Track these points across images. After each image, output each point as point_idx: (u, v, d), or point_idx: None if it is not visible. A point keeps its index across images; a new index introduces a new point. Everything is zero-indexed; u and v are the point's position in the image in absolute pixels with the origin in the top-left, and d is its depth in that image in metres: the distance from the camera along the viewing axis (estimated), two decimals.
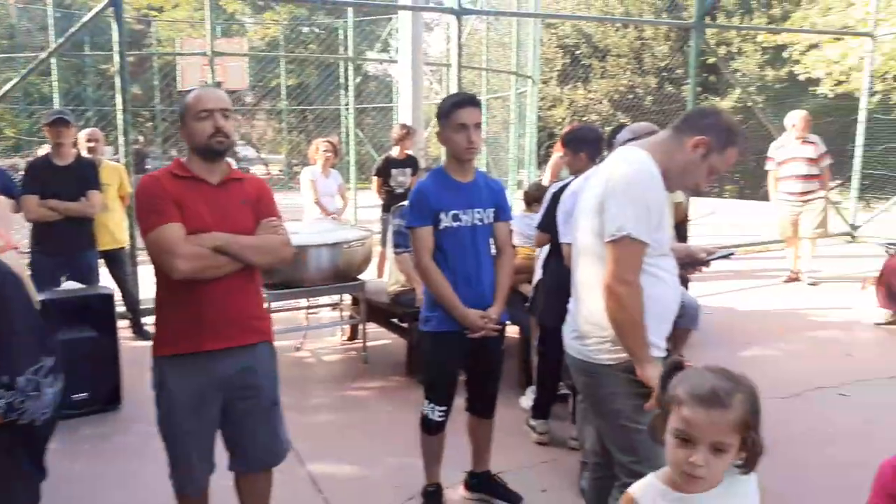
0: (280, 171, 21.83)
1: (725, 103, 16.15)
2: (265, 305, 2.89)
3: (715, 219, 12.63)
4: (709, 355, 4.85)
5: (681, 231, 5.06)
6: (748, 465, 1.43)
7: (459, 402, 2.89)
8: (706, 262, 2.35)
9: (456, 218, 2.62)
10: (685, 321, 4.28)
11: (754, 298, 6.54)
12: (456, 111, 2.54)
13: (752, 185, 14.80)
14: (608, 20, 17.76)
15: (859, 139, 9.48)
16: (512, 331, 4.32)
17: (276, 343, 2.37)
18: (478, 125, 2.57)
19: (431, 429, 2.80)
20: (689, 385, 1.38)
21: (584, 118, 17.46)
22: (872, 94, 11.39)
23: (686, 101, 7.99)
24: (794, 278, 7.14)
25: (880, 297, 5.47)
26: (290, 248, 2.26)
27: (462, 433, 2.96)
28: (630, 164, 2.01)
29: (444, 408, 2.75)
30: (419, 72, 8.18)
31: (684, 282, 4.93)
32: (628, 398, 2.04)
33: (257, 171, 23.30)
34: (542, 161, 12.85)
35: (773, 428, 3.76)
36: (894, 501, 1.57)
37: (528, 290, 4.10)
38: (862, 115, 9.47)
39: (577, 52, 18.78)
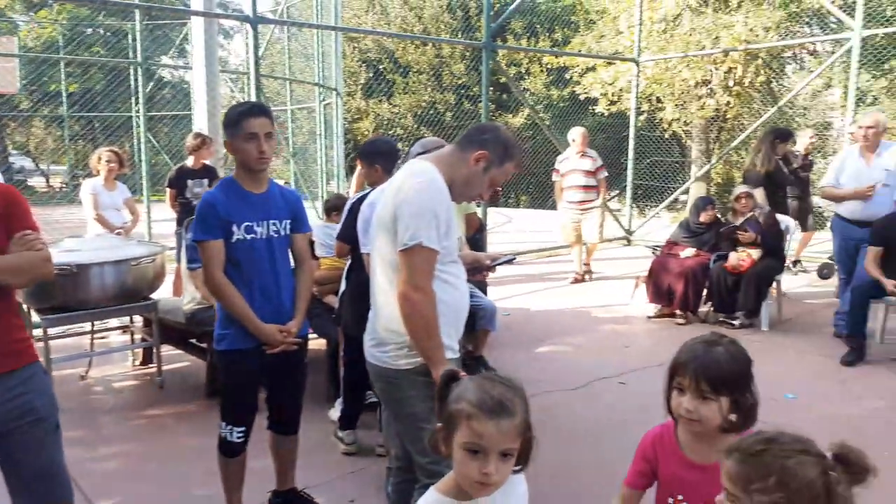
0: (63, 183, 19.76)
1: (517, 120, 17.33)
2: (34, 330, 2.58)
3: (511, 226, 13.49)
4: (507, 353, 5.17)
5: (477, 240, 5.34)
6: (524, 463, 1.47)
7: (262, 420, 2.81)
8: (491, 268, 2.51)
9: (249, 230, 2.54)
10: (483, 323, 4.53)
11: (546, 299, 7.06)
12: (245, 120, 2.47)
13: (544, 195, 16.00)
14: (406, 37, 18.30)
15: (630, 153, 10.64)
16: (320, 343, 4.30)
17: (58, 373, 2.14)
18: (269, 134, 2.52)
19: (231, 451, 2.68)
20: (475, 398, 1.39)
21: (391, 131, 17.79)
22: (640, 113, 12.87)
23: (481, 117, 8.45)
24: (579, 279, 7.83)
25: (649, 293, 6.16)
26: (50, 264, 2.02)
27: (267, 452, 2.88)
28: (419, 177, 2.09)
29: (242, 428, 2.65)
30: (215, 79, 7.83)
31: (483, 287, 5.22)
32: (425, 401, 2.10)
33: (36, 183, 20.97)
34: (349, 173, 12.88)
35: (565, 418, 4.07)
36: (649, 464, 1.79)
37: (334, 301, 4.09)
38: (631, 132, 10.63)
39: (380, 66, 19.12)
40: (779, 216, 6.20)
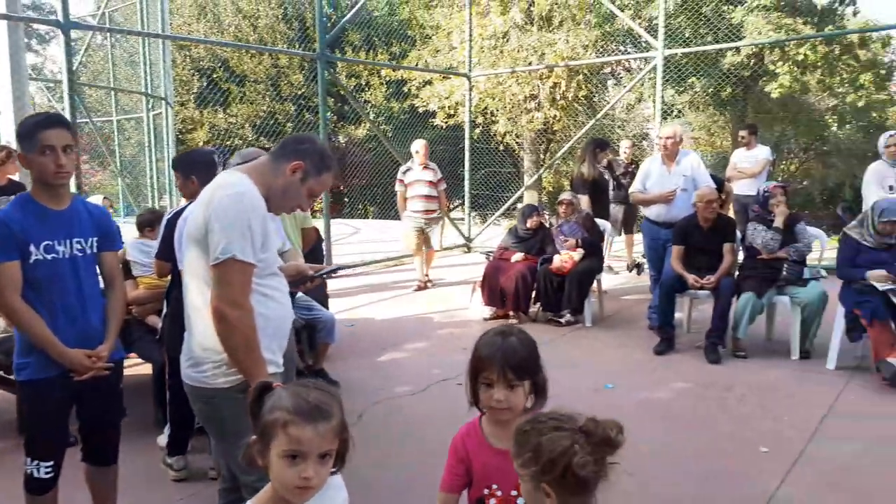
0: None
1: (359, 132, 17.39)
2: None
3: (359, 237, 13.49)
4: (352, 364, 5.17)
5: (316, 252, 5.32)
6: (341, 463, 1.49)
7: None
8: (314, 279, 2.52)
9: (50, 249, 2.36)
10: (323, 336, 4.52)
11: (390, 308, 7.14)
12: (40, 132, 2.30)
13: (392, 206, 16.19)
14: (239, 46, 17.75)
15: (467, 164, 11.04)
16: (147, 367, 4.06)
17: None
18: (68, 147, 2.35)
19: (39, 489, 2.47)
20: (291, 405, 1.41)
21: (228, 142, 17.15)
22: (476, 126, 13.41)
23: (321, 128, 8.41)
24: (422, 287, 8.01)
25: (484, 296, 6.43)
26: None
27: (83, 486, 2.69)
28: (229, 188, 2.05)
29: (50, 463, 2.45)
30: (23, 87, 7.13)
31: (325, 299, 5.20)
32: (247, 419, 2.07)
33: None
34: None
35: (402, 421, 4.13)
36: (462, 462, 1.88)
37: (157, 322, 3.89)
38: (467, 144, 11.04)
39: (214, 75, 18.40)
40: (598, 220, 6.73)
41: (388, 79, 16.09)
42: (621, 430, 1.36)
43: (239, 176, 2.12)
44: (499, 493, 1.80)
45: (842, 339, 4.82)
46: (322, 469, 1.40)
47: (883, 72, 14.58)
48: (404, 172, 7.87)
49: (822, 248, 5.74)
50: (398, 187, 7.91)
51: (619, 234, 8.48)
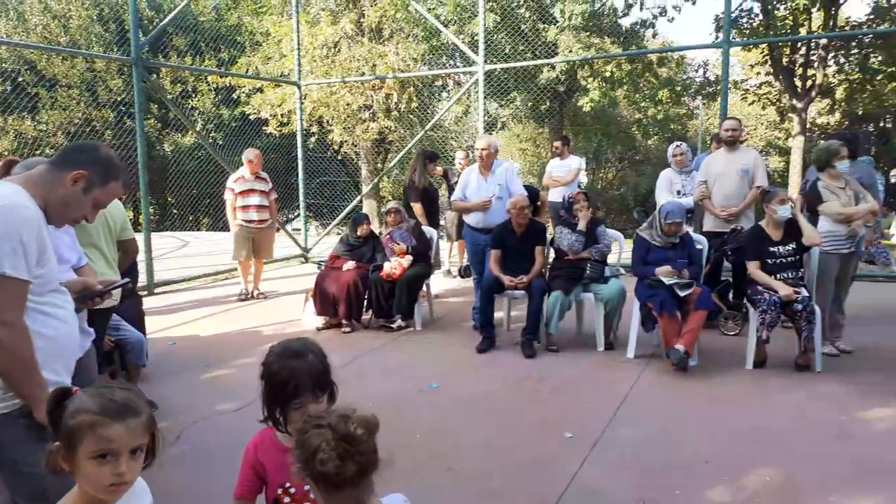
0: None
1: (187, 139, 16.60)
2: None
3: (188, 250, 12.87)
4: (172, 383, 4.95)
5: (130, 268, 5.03)
6: (153, 456, 1.51)
7: None
8: (102, 294, 2.42)
9: None
10: (132, 357, 4.30)
11: (218, 323, 6.90)
12: None
13: (225, 216, 15.60)
14: (47, 49, 16.32)
15: (300, 174, 10.92)
16: None
17: None
18: None
19: None
20: (97, 406, 1.41)
21: (37, 151, 15.65)
22: (311, 134, 13.30)
23: (145, 135, 7.96)
24: (247, 296, 7.86)
25: (317, 306, 6.41)
26: None
27: None
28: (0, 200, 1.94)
29: None
30: None
31: (139, 318, 4.93)
32: (28, 444, 1.96)
33: None
34: None
35: (224, 437, 4.03)
36: (253, 468, 1.91)
37: None
38: (299, 153, 10.92)
39: (20, 78, 16.75)
40: (425, 228, 6.96)
41: (216, 85, 15.51)
42: (370, 426, 1.43)
43: (11, 187, 1.99)
44: (292, 491, 1.85)
45: (638, 330, 5.35)
46: (134, 464, 1.43)
47: (678, 88, 16.36)
48: (234, 181, 7.68)
49: (621, 248, 6.34)
50: (227, 196, 7.71)
51: (455, 240, 8.81)
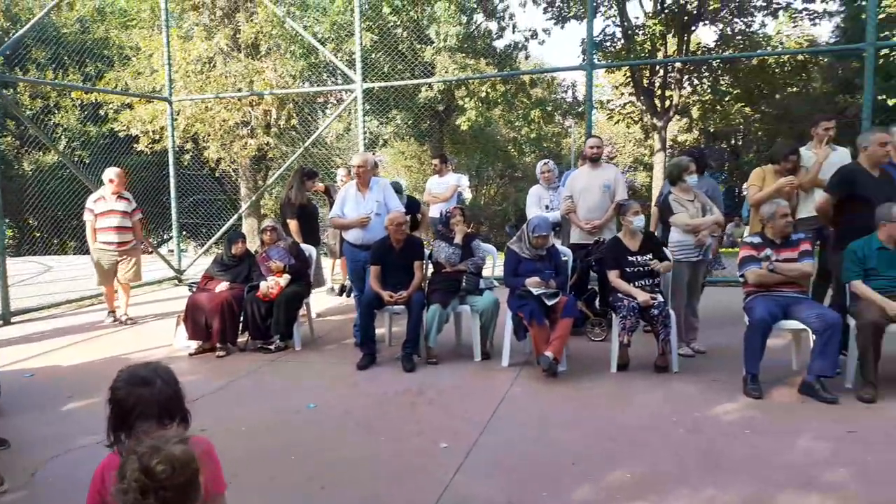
0: None
1: (49, 158, 15.55)
2: None
3: (51, 276, 12.04)
4: (26, 418, 4.64)
5: None
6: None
7: None
8: None
9: None
10: None
11: (82, 352, 6.50)
12: None
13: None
14: None
15: (173, 192, 10.51)
16: None
17: None
18: None
19: None
20: None
21: None
22: (185, 152, 12.83)
23: (1, 153, 7.42)
24: (120, 323, 7.47)
25: (189, 330, 6.19)
26: None
27: None
28: None
29: None
30: None
31: None
32: None
33: None
34: None
35: (86, 471, 3.82)
36: (100, 494, 1.85)
37: None
38: (171, 171, 10.52)
39: None
40: (303, 246, 6.90)
41: (81, 101, 14.64)
42: (175, 462, 1.40)
43: None
44: None
45: (511, 339, 5.56)
46: None
47: (549, 108, 17.19)
48: (94, 202, 7.33)
49: (495, 261, 6.58)
50: (87, 217, 7.35)
51: (339, 257, 8.78)
